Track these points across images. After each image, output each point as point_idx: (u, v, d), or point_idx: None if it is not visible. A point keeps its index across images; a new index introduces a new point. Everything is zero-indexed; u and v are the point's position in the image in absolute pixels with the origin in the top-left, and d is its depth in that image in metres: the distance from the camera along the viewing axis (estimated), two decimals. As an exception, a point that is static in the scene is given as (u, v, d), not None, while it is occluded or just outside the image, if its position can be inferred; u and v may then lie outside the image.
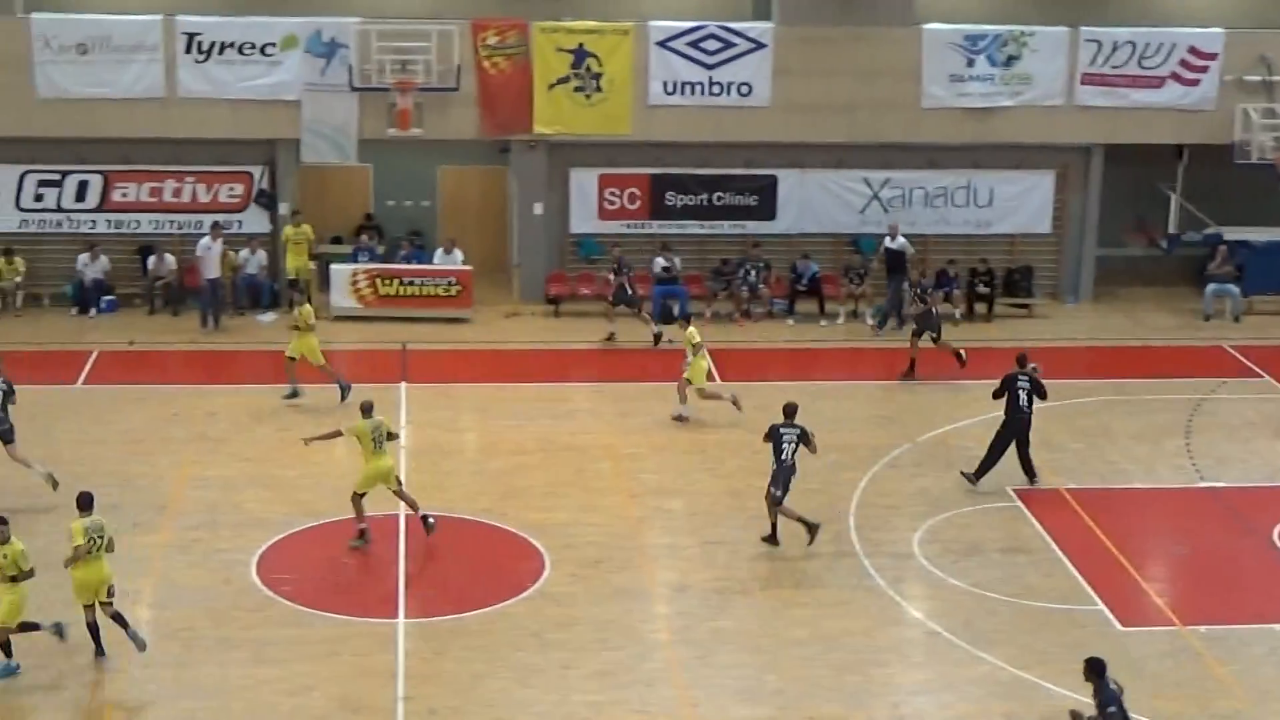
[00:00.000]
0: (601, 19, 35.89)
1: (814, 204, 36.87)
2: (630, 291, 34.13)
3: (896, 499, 26.12)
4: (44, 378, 30.67)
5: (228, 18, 34.83)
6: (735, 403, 29.24)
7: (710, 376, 30.19)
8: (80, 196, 35.17)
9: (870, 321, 35.52)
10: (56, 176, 35.06)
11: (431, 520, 24.16)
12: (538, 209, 36.38)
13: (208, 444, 27.89)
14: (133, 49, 34.28)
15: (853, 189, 36.94)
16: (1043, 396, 26.34)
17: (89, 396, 30.05)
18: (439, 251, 35.83)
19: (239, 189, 35.65)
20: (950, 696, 20.24)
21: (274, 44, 34.61)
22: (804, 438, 24.24)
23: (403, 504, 24.27)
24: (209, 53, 34.50)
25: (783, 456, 24.07)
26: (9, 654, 20.54)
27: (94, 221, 35.26)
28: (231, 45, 34.53)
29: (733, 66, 35.70)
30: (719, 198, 36.71)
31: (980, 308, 36.64)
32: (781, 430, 24.23)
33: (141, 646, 20.51)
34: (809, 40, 35.69)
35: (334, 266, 35.23)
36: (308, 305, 30.23)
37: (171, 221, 35.41)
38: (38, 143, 34.68)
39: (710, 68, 35.65)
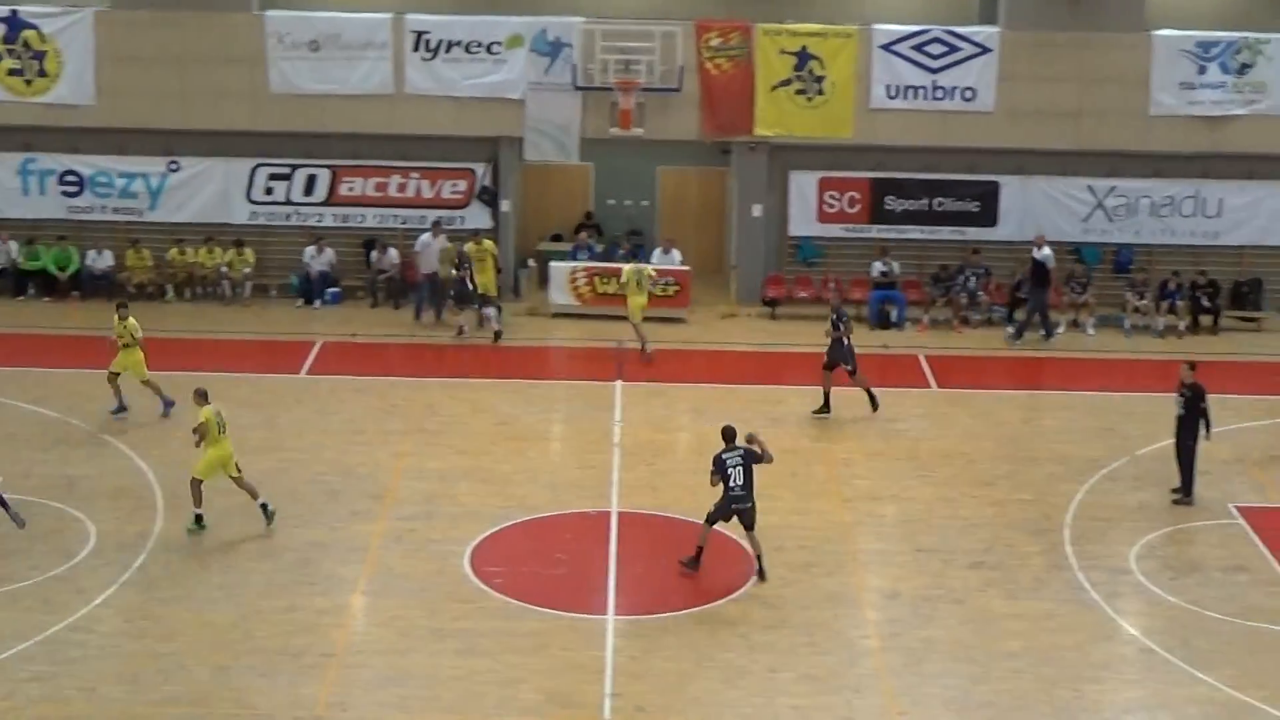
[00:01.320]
0: (825, 22, 35.74)
1: (1036, 211, 36.32)
2: (471, 287, 33.58)
3: (1114, 513, 25.63)
4: (269, 367, 31.40)
5: (455, 16, 35.33)
6: (644, 351, 31.25)
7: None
8: (309, 190, 35.92)
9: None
10: (286, 170, 35.85)
11: (271, 509, 24.41)
12: (756, 211, 36.36)
13: (425, 436, 28.29)
14: (363, 46, 34.94)
15: (1076, 197, 36.36)
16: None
17: (312, 386, 30.67)
18: (657, 251, 35.97)
19: (462, 185, 36.13)
20: (1165, 716, 19.81)
21: (499, 43, 35.03)
22: (750, 457, 22.95)
23: (626, 501, 24.31)
24: (436, 51, 35.04)
25: (730, 484, 22.73)
26: None
27: (321, 215, 35.99)
28: (458, 44, 35.03)
29: (957, 71, 35.35)
30: (939, 203, 36.37)
31: (1205, 320, 35.80)
32: (725, 457, 22.88)
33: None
34: (1035, 45, 35.21)
35: (553, 264, 35.54)
36: (132, 319, 28.35)
37: (395, 216, 36.01)
38: (269, 137, 35.48)
39: (934, 72, 35.34)
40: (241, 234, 35.76)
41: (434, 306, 34.61)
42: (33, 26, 34.89)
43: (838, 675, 20.55)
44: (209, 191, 35.86)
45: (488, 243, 34.42)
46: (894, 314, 35.26)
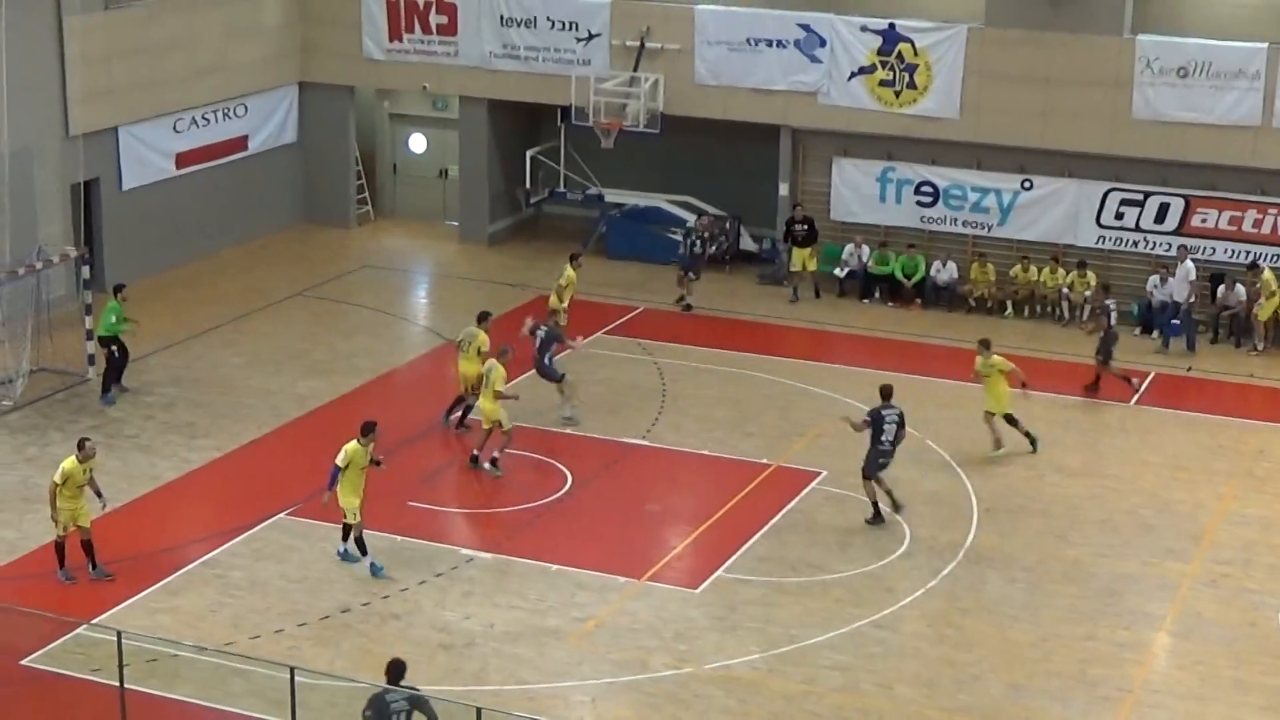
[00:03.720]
0: None
1: None
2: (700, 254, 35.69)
3: None
4: (1099, 394, 31.06)
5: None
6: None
7: None
8: (1159, 218, 35.25)
9: None
10: (1139, 196, 35.32)
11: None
12: None
13: (1252, 480, 27.27)
14: (1233, 75, 33.92)
15: None
16: None
17: (1139, 416, 30.12)
18: None
19: (1320, 225, 34.55)
20: None
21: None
22: (902, 420, 25.02)
23: None
24: (1311, 83, 33.69)
25: (882, 439, 24.81)
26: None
27: (1169, 244, 35.22)
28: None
29: None
30: None
31: None
32: (883, 413, 24.88)
33: None
34: None
35: None
36: (995, 356, 28.08)
37: (1246, 252, 34.78)
38: (1125, 162, 35.08)
39: None
40: (1086, 256, 35.60)
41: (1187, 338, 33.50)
42: (908, 40, 36.00)
43: None
44: (1059, 212, 35.85)
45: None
46: None
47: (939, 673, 21.06)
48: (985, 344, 28.20)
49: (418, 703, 17.54)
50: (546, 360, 28.69)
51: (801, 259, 36.26)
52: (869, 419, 25.05)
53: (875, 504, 25.10)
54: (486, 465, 26.88)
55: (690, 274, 35.35)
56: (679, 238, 37.29)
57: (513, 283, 36.12)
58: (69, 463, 22.69)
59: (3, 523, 24.64)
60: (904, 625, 22.23)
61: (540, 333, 28.77)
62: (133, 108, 35.52)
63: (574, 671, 20.97)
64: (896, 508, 25.21)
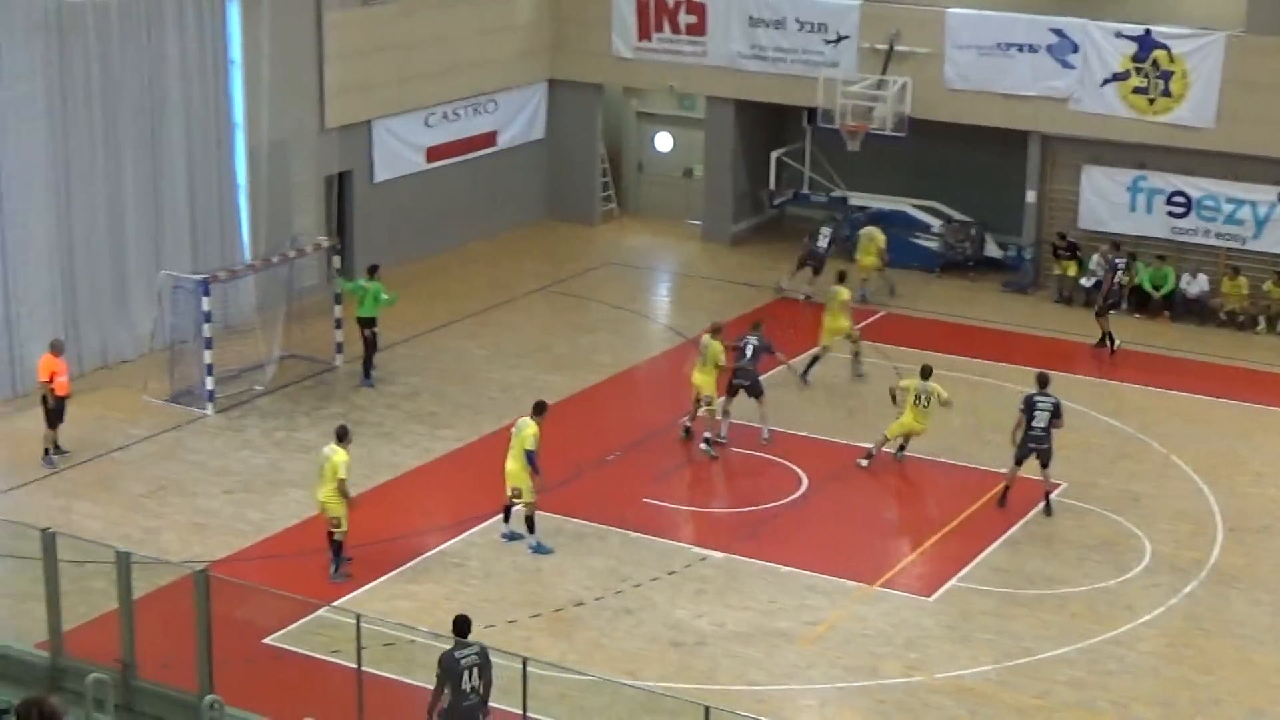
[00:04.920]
0: None
1: None
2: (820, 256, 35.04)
3: None
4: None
5: None
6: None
7: None
8: None
9: None
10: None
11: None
12: None
13: None
14: None
15: None
16: None
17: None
18: None
19: None
20: None
21: None
22: (1058, 409, 25.07)
23: None
24: None
25: (1033, 426, 25.03)
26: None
27: None
28: None
29: None
30: None
31: None
32: (1036, 400, 25.19)
33: None
34: None
35: None
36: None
37: None
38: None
39: None
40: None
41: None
42: (1164, 47, 35.18)
43: None
44: (1330, 226, 34.85)
45: None
46: None
47: (1177, 694, 20.60)
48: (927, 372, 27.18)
49: (485, 658, 17.55)
50: (758, 372, 28.17)
51: (1064, 266, 35.91)
52: (1023, 406, 25.37)
53: (1007, 487, 25.59)
54: (702, 445, 27.21)
55: (812, 269, 35.21)
56: (928, 243, 37.13)
57: (754, 283, 36.11)
58: (344, 455, 22.88)
59: (250, 504, 25.32)
60: (1142, 643, 21.78)
61: (751, 342, 28.12)
62: (386, 102, 36.22)
63: (803, 675, 20.92)
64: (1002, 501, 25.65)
